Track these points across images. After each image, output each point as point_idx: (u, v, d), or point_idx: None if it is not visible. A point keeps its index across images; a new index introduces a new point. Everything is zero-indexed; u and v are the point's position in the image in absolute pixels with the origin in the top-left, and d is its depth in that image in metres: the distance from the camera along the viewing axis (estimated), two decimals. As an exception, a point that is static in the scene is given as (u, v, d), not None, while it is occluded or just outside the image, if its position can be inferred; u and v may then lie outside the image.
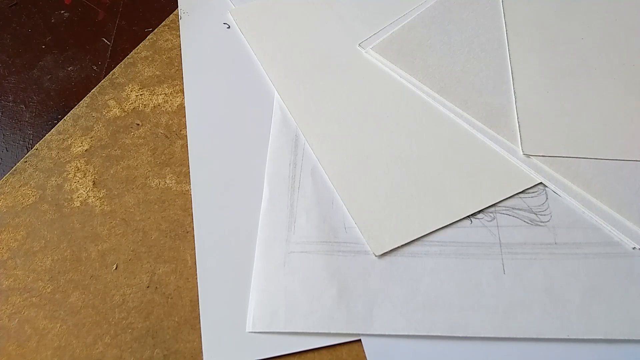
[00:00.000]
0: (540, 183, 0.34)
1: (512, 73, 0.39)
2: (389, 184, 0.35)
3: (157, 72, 0.41)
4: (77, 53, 0.43)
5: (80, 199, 0.35)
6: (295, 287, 0.31)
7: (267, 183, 0.35)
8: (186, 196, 0.35)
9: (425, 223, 0.33)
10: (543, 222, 0.33)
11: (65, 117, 0.39)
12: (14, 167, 0.37)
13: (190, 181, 0.36)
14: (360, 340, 0.30)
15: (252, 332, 0.30)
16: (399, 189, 0.34)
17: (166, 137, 0.38)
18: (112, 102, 0.40)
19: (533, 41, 0.41)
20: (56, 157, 0.37)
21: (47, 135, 0.38)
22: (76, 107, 0.40)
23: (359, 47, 0.42)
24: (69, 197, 0.35)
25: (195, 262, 0.32)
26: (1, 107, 0.41)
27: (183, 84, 0.40)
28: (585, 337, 0.29)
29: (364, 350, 0.29)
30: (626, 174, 0.34)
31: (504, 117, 0.37)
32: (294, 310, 0.30)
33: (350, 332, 0.30)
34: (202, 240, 0.33)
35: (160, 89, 0.40)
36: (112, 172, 0.36)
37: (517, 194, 0.34)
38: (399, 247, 0.32)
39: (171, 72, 0.41)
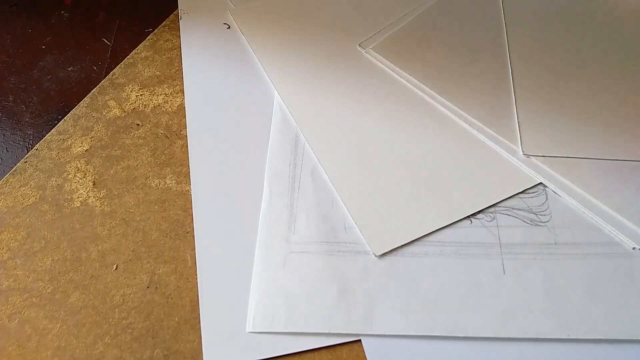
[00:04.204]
0: (540, 183, 0.34)
1: (512, 73, 0.39)
2: (389, 184, 0.35)
3: (157, 72, 0.41)
4: (77, 53, 0.43)
5: (81, 199, 0.35)
6: (295, 287, 0.31)
7: (267, 183, 0.35)
8: (186, 196, 0.35)
9: (425, 223, 0.33)
10: (543, 222, 0.33)
11: (65, 118, 0.39)
12: (14, 167, 0.37)
13: (190, 181, 0.36)
14: (360, 340, 0.30)
15: (252, 332, 0.30)
16: (399, 189, 0.34)
17: (166, 137, 0.38)
18: (112, 103, 0.40)
19: (533, 41, 0.41)
20: (56, 158, 0.37)
21: (47, 135, 0.38)
22: (76, 107, 0.40)
23: (359, 47, 0.42)
24: (69, 197, 0.35)
25: (195, 262, 0.32)
26: (1, 107, 0.41)
27: (183, 84, 0.40)
28: (585, 337, 0.29)
29: (364, 350, 0.29)
30: (626, 174, 0.34)
31: (504, 117, 0.37)
32: (294, 310, 0.30)
33: (350, 332, 0.30)
34: (202, 240, 0.33)
35: (160, 89, 0.40)
36: (112, 172, 0.36)
37: (517, 194, 0.34)
38: (399, 247, 0.32)
39: (171, 72, 0.41)
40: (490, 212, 0.34)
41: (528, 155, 0.35)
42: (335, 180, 0.35)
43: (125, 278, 0.32)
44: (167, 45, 0.43)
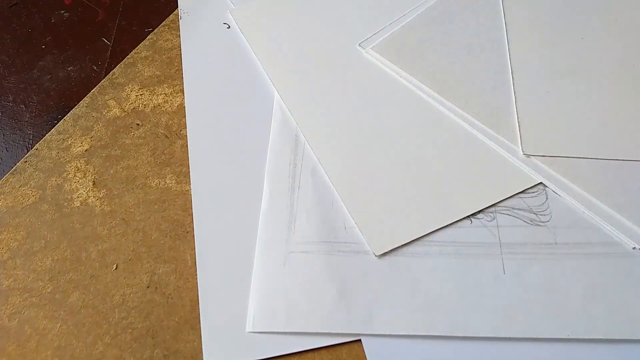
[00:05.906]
0: (540, 183, 0.34)
1: (512, 73, 0.39)
2: (389, 184, 0.35)
3: (157, 72, 0.41)
4: (77, 53, 0.43)
5: (80, 199, 0.35)
6: (295, 287, 0.31)
7: (267, 183, 0.35)
8: (186, 196, 0.35)
9: (425, 223, 0.33)
10: (543, 222, 0.33)
11: (65, 117, 0.39)
12: (14, 167, 0.37)
13: (190, 181, 0.36)
14: (360, 340, 0.30)
15: (252, 332, 0.30)
16: (399, 189, 0.34)
17: (166, 137, 0.38)
18: (112, 102, 0.40)
19: (533, 41, 0.41)
20: (56, 157, 0.37)
21: (47, 135, 0.38)
22: (76, 107, 0.40)
23: (359, 47, 0.41)
24: (69, 197, 0.35)
25: (195, 262, 0.32)
26: (1, 107, 0.41)
27: (183, 84, 0.40)
28: (585, 337, 0.29)
29: (364, 350, 0.29)
30: (626, 174, 0.34)
31: (504, 117, 0.37)
32: (294, 310, 0.30)
33: (350, 332, 0.30)
34: (202, 240, 0.33)
35: (160, 89, 0.40)
36: (112, 172, 0.36)
37: (517, 194, 0.34)
38: (399, 247, 0.32)
39: (171, 72, 0.41)
40: (490, 212, 0.34)
41: (528, 155, 0.35)
42: (335, 180, 0.35)
43: (125, 278, 0.32)
44: (167, 45, 0.43)
